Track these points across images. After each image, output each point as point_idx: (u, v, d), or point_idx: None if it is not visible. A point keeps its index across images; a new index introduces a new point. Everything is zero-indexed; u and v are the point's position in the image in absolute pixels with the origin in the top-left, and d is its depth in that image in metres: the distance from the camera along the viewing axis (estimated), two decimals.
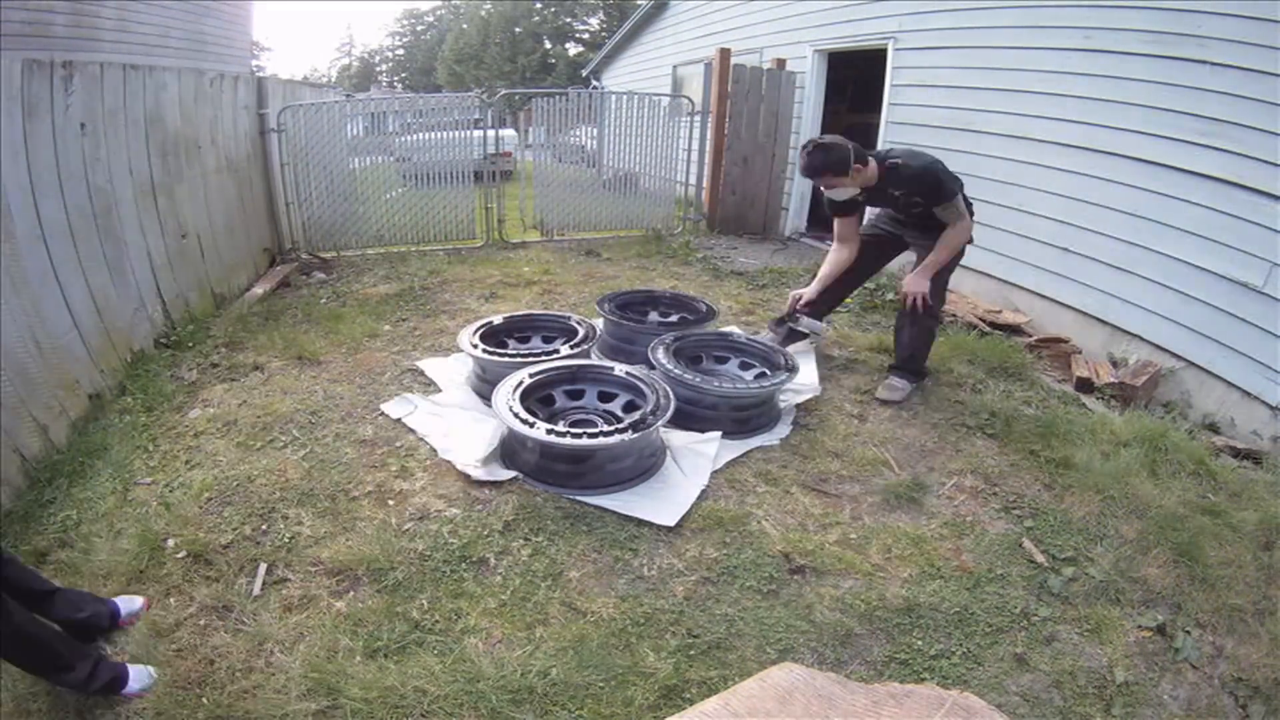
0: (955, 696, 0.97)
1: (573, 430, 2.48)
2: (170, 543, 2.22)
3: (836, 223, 3.48)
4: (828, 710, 0.96)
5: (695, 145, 7.14)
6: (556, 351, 3.20)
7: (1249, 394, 3.27)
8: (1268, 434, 3.15)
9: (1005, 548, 2.36)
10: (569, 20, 32.07)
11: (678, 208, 7.27)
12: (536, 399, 2.84)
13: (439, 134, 6.38)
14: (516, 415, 2.54)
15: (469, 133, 6.39)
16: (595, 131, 7.43)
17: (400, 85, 40.50)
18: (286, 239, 5.88)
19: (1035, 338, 4.30)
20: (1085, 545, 2.38)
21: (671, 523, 2.39)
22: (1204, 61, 3.46)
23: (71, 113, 2.96)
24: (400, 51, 42.51)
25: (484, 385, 3.13)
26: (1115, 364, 3.90)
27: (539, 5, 31.19)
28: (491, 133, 6.40)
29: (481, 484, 2.57)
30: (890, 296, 5.06)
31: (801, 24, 6.82)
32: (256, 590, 2.06)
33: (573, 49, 31.87)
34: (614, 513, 2.44)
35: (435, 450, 2.78)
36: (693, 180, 7.26)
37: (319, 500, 2.48)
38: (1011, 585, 2.19)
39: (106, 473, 2.57)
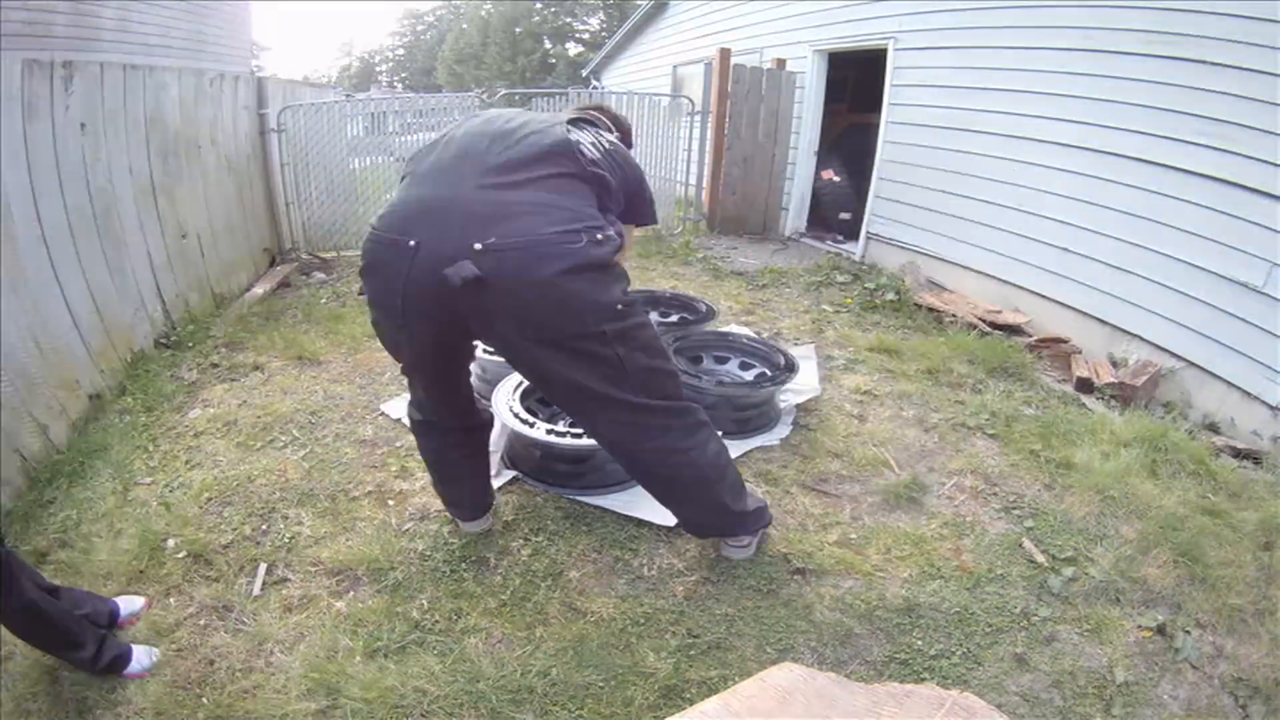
0: (955, 696, 0.97)
1: (573, 430, 2.48)
2: (170, 543, 2.22)
3: None
4: (828, 710, 0.96)
5: (695, 145, 7.14)
6: None
7: (1249, 394, 3.27)
8: (1268, 434, 3.15)
9: (1005, 548, 2.36)
10: (569, 20, 32.08)
11: (678, 208, 7.27)
12: (537, 398, 2.84)
13: (439, 134, 6.37)
14: (517, 415, 2.54)
15: None
16: None
17: (400, 85, 40.52)
18: (286, 239, 5.87)
19: (1035, 338, 4.30)
20: (1085, 545, 2.38)
21: (672, 523, 2.38)
22: (1204, 61, 3.46)
23: (71, 113, 2.96)
24: (400, 51, 42.53)
25: (484, 385, 3.12)
26: (1115, 364, 3.90)
27: (539, 5, 31.20)
28: None
29: None
30: (890, 296, 5.07)
31: (801, 24, 6.82)
32: (256, 590, 2.06)
33: (573, 49, 31.88)
34: (614, 513, 2.44)
35: None
36: (693, 180, 7.26)
37: (319, 500, 2.48)
38: (1011, 585, 2.19)
39: (106, 473, 2.57)
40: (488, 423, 2.26)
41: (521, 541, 2.30)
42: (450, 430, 2.10)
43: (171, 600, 2.02)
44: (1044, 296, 4.48)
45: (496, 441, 2.83)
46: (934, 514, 2.54)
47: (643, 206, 2.01)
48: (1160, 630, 2.04)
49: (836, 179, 7.14)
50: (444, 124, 6.40)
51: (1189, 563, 2.28)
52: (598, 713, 1.70)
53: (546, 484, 2.56)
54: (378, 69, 42.94)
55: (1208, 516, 2.52)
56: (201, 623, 1.94)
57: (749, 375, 3.24)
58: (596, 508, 2.47)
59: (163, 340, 3.70)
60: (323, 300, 4.80)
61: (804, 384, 3.38)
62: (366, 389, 3.36)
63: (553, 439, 2.44)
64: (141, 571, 2.11)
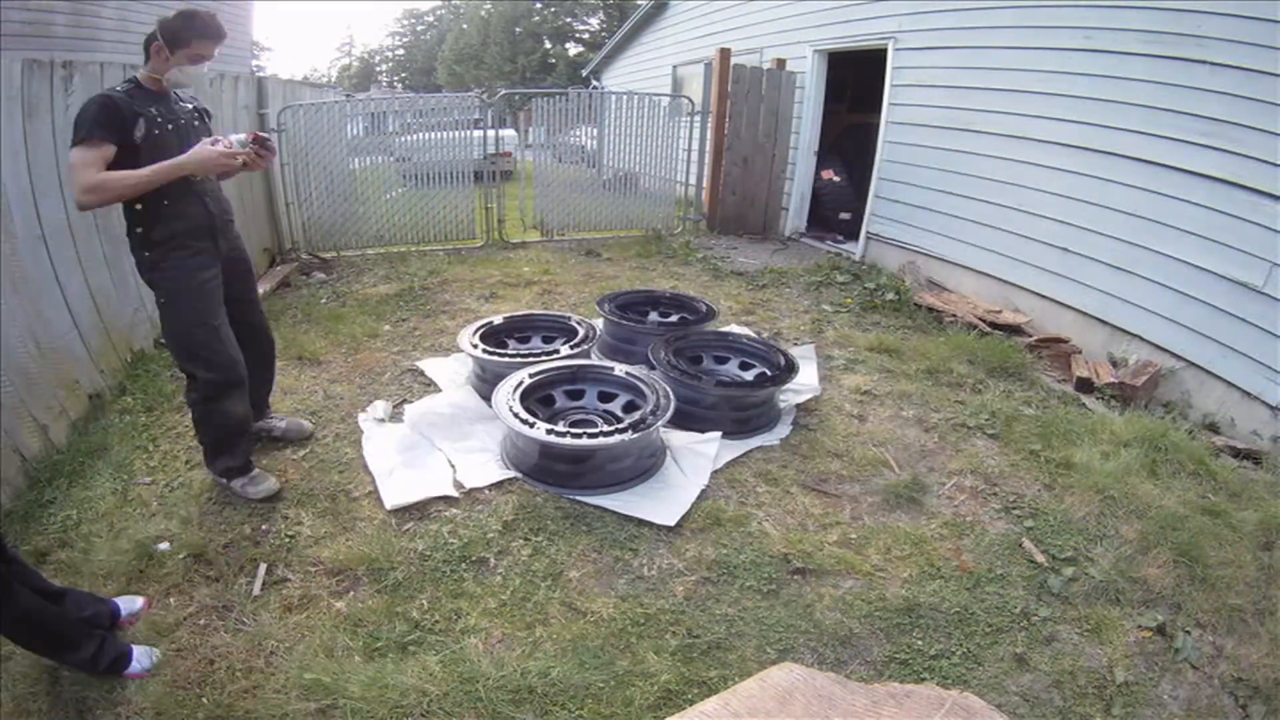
0: (955, 696, 0.97)
1: (573, 430, 2.48)
2: (169, 544, 2.22)
3: None
4: (828, 710, 0.96)
5: (695, 145, 7.14)
6: (556, 351, 3.20)
7: (1249, 394, 3.27)
8: (1268, 434, 3.15)
9: (1005, 548, 2.36)
10: (569, 20, 32.05)
11: (678, 208, 7.27)
12: (536, 399, 2.84)
13: (439, 134, 6.39)
14: (516, 415, 2.54)
15: (469, 133, 6.39)
16: (595, 131, 7.43)
17: (400, 85, 40.49)
18: (286, 239, 5.87)
19: (1035, 338, 4.30)
20: (1085, 545, 2.38)
21: (671, 523, 2.39)
22: (1204, 61, 3.46)
23: (71, 113, 2.96)
24: (400, 51, 42.50)
25: (484, 385, 3.12)
26: (1115, 364, 3.90)
27: (539, 5, 31.17)
28: (491, 133, 6.40)
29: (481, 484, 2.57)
30: (890, 296, 5.07)
31: (801, 24, 6.82)
32: (256, 590, 2.06)
33: (573, 49, 31.86)
34: (614, 513, 2.44)
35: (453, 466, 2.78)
36: (693, 180, 7.26)
37: (319, 500, 2.48)
38: (1011, 585, 2.19)
39: (106, 473, 2.57)
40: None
41: (521, 541, 2.30)
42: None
43: (171, 600, 2.02)
44: (1044, 296, 4.48)
45: (498, 442, 2.83)
46: (934, 514, 2.54)
47: None
48: (1160, 630, 2.04)
49: (836, 179, 7.15)
50: (443, 124, 6.42)
51: (1189, 563, 2.28)
52: (598, 713, 1.70)
53: (546, 484, 2.56)
54: (378, 69, 42.92)
55: (1208, 516, 2.51)
56: (201, 623, 1.94)
57: (749, 375, 3.24)
58: (596, 508, 2.46)
59: (162, 340, 3.70)
60: (323, 300, 4.80)
61: (804, 384, 3.38)
62: (366, 389, 3.36)
63: (552, 439, 2.44)
64: (141, 571, 2.11)
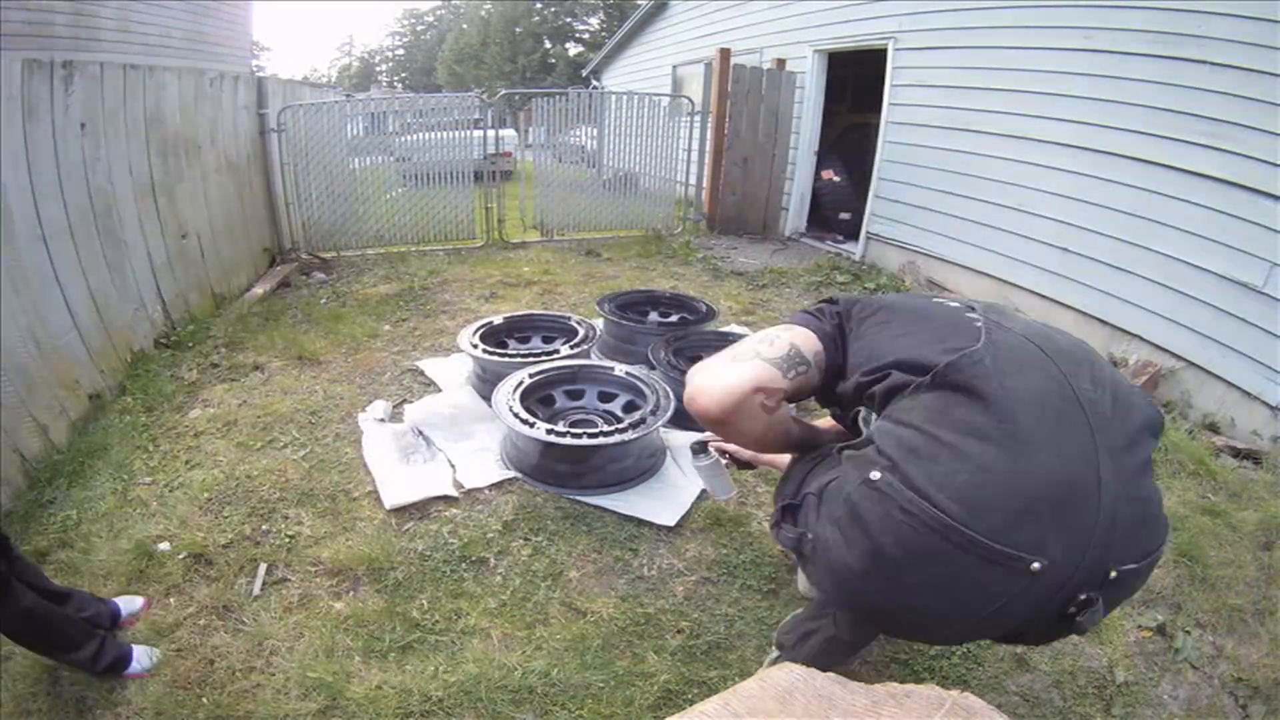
0: (955, 696, 0.97)
1: (573, 430, 2.48)
2: (168, 544, 2.22)
3: None
4: (828, 710, 0.96)
5: (695, 145, 7.14)
6: (556, 351, 3.20)
7: (1249, 394, 3.27)
8: (1268, 434, 3.15)
9: None
10: (569, 20, 32.06)
11: (678, 208, 7.27)
12: (537, 399, 2.84)
13: (439, 134, 6.39)
14: (517, 415, 2.54)
15: (469, 133, 6.39)
16: (595, 131, 7.43)
17: (400, 85, 40.49)
18: (286, 239, 5.87)
19: None
20: None
21: (671, 523, 2.39)
22: (1204, 61, 3.46)
23: (71, 113, 2.96)
24: (400, 51, 42.52)
25: (484, 385, 3.12)
26: (1115, 364, 3.90)
27: (539, 5, 31.18)
28: (491, 133, 6.40)
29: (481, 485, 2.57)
30: None
31: (801, 24, 6.82)
32: (256, 590, 2.06)
33: (573, 49, 31.87)
34: (614, 513, 2.44)
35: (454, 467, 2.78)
36: (693, 180, 7.26)
37: (319, 500, 2.48)
38: None
39: (106, 473, 2.57)
40: None
41: (521, 541, 2.30)
42: None
43: (171, 600, 2.02)
44: (1044, 296, 4.48)
45: (498, 442, 2.83)
46: None
47: None
48: (1160, 630, 2.04)
49: (836, 179, 7.14)
50: (443, 124, 6.41)
51: (1189, 563, 2.28)
52: (598, 713, 1.70)
53: (546, 484, 2.56)
54: (378, 69, 42.93)
55: (1208, 516, 2.52)
56: (201, 623, 1.94)
57: None
58: (596, 508, 2.46)
59: (163, 340, 3.70)
60: (323, 300, 4.80)
61: None
62: (367, 389, 3.36)
63: (552, 439, 2.44)
64: (141, 571, 2.11)
